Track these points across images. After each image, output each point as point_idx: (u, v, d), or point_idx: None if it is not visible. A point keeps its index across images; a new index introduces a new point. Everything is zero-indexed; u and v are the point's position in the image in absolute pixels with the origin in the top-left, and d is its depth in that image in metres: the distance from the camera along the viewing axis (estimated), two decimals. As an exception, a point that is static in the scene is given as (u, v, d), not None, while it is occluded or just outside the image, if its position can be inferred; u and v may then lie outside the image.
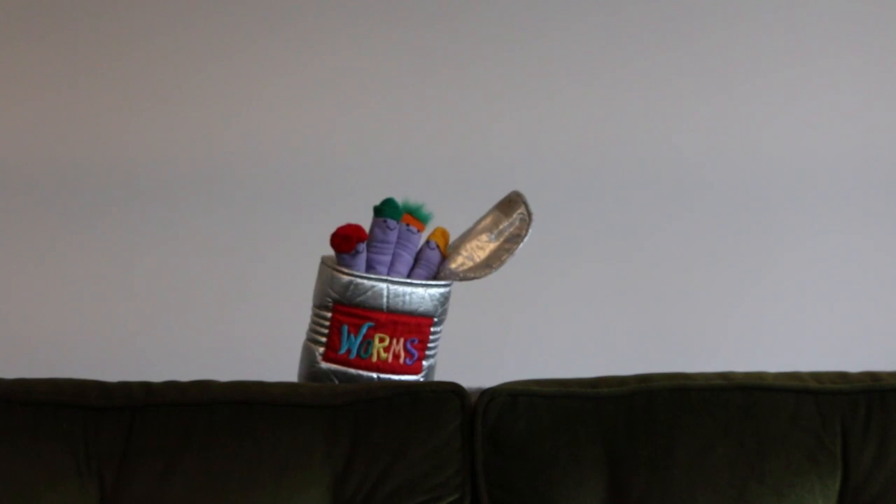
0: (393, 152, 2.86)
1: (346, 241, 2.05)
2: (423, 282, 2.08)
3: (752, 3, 2.87)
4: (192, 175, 2.86)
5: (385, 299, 2.06)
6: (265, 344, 2.62)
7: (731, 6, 2.87)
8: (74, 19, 2.86)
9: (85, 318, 2.85)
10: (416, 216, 2.10)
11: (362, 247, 2.06)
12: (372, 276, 2.06)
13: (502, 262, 2.07)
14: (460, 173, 2.81)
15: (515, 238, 2.07)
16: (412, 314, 2.07)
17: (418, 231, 2.10)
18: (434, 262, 2.10)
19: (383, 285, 2.06)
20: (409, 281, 2.07)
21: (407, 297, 2.06)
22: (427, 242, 2.11)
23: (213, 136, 2.87)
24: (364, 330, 2.06)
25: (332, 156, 2.86)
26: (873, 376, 2.03)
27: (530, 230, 2.06)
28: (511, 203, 2.10)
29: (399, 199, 2.10)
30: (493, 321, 2.83)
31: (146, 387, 2.01)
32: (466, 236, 2.11)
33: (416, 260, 2.10)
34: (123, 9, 2.87)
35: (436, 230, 2.12)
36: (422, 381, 2.07)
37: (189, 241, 2.85)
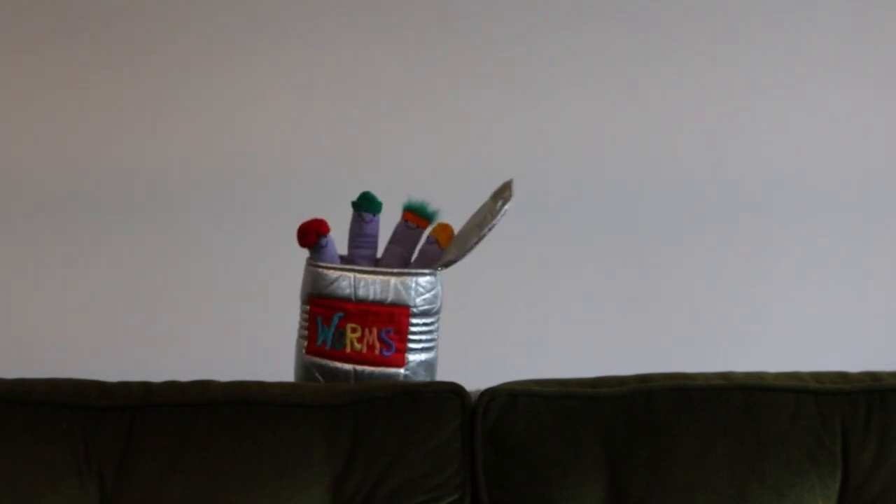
0: (391, 155, 2.86)
1: (302, 235, 2.08)
2: (389, 269, 2.08)
3: (750, 11, 2.88)
4: (192, 177, 2.86)
5: (351, 289, 2.07)
6: (265, 344, 2.61)
7: (729, 15, 2.87)
8: (76, 25, 2.87)
9: (85, 319, 2.85)
10: (419, 214, 2.11)
11: (325, 240, 2.08)
12: (335, 265, 2.08)
13: (475, 243, 2.05)
14: (461, 177, 2.81)
15: (488, 222, 2.06)
16: (381, 303, 2.07)
17: (418, 227, 2.11)
18: (431, 257, 2.11)
19: (350, 275, 2.07)
20: (373, 269, 2.07)
21: (376, 286, 2.07)
22: (427, 238, 2.12)
23: (212, 139, 2.87)
24: (336, 320, 2.07)
25: (331, 157, 2.86)
26: (873, 376, 2.03)
27: (504, 209, 2.05)
28: (502, 189, 2.10)
29: (403, 199, 2.11)
30: (493, 321, 2.83)
31: (146, 387, 2.01)
32: (463, 228, 2.12)
33: (420, 254, 2.11)
34: (125, 15, 2.87)
35: (437, 225, 2.12)
36: (422, 382, 2.07)
37: (189, 241, 2.85)
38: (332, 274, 2.08)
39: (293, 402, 1.98)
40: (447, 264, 2.09)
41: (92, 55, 2.87)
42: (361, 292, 2.07)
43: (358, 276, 2.07)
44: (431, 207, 2.12)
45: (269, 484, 1.92)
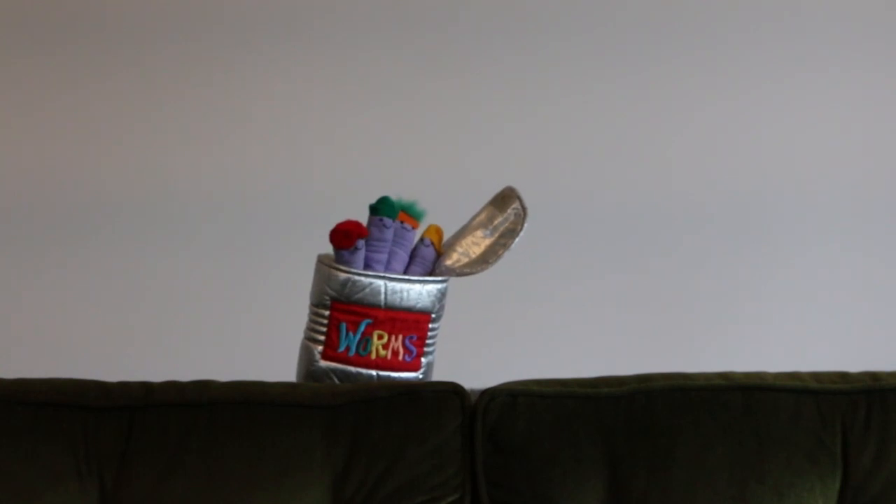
0: (390, 158, 2.86)
1: (345, 237, 2.05)
2: (420, 278, 2.08)
3: (751, 17, 2.88)
4: (191, 178, 2.86)
5: (383, 296, 2.06)
6: (265, 344, 2.61)
7: (731, 21, 2.88)
8: (78, 28, 2.87)
9: (85, 319, 2.85)
10: (409, 213, 2.10)
11: (361, 243, 2.06)
12: (369, 273, 2.06)
13: (498, 257, 2.07)
14: (461, 180, 2.81)
15: (510, 233, 2.07)
16: (410, 310, 2.07)
17: (412, 228, 2.11)
18: (429, 259, 2.10)
19: (381, 282, 2.06)
20: (406, 277, 2.07)
21: (405, 294, 2.07)
22: (422, 240, 2.11)
23: (211, 142, 2.87)
24: (362, 327, 2.06)
25: (327, 158, 2.87)
26: (873, 376, 2.03)
27: (525, 224, 2.06)
28: (505, 198, 2.10)
29: (392, 198, 2.10)
30: (494, 321, 2.83)
31: (146, 387, 2.01)
32: (461, 233, 2.11)
33: (412, 257, 2.10)
34: (128, 17, 2.87)
35: (429, 227, 2.11)
36: (422, 381, 2.07)
37: (189, 242, 2.85)
38: (365, 280, 2.07)
39: (293, 402, 1.98)
40: (468, 274, 2.08)
41: (99, 59, 2.87)
42: (391, 299, 2.07)
43: (389, 283, 2.06)
44: (419, 207, 2.12)
45: (269, 484, 1.92)
